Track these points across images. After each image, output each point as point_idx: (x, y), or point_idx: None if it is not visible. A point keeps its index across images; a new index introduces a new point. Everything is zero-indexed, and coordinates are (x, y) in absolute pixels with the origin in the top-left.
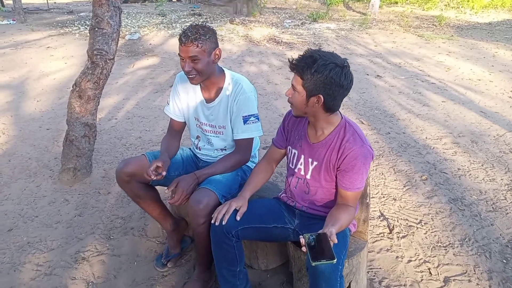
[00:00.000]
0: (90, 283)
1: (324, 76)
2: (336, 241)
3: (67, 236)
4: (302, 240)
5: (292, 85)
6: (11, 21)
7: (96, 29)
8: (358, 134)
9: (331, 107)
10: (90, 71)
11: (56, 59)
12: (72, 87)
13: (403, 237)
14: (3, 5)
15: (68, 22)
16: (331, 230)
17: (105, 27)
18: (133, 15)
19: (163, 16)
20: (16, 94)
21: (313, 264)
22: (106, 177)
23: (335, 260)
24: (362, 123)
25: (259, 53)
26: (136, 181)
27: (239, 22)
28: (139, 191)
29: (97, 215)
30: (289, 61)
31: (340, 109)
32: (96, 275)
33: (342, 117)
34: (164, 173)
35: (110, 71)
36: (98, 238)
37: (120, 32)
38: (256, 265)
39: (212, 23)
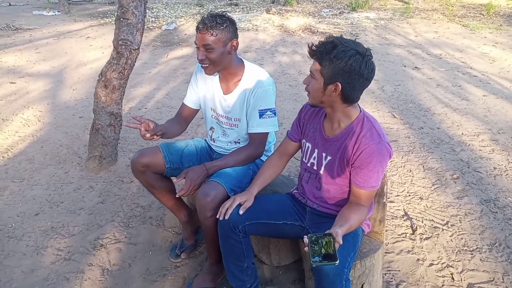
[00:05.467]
0: (105, 270)
1: (343, 63)
2: (341, 242)
3: (88, 222)
4: (306, 240)
5: (310, 71)
6: (56, 12)
7: (121, 19)
8: (376, 130)
9: (349, 97)
10: (115, 61)
11: (94, 49)
12: (98, 77)
13: (427, 238)
14: None
15: (108, 12)
16: (337, 231)
17: (130, 17)
18: (171, 5)
19: (200, 6)
20: (54, 83)
21: (314, 265)
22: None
23: (337, 262)
24: (395, 117)
25: (293, 43)
26: (151, 171)
27: (275, 12)
28: (154, 182)
29: (118, 203)
30: (308, 46)
31: (372, 102)
32: (112, 263)
33: (361, 111)
34: (147, 135)
35: (135, 61)
36: (117, 226)
37: (157, 23)
38: (269, 261)
39: (248, 12)
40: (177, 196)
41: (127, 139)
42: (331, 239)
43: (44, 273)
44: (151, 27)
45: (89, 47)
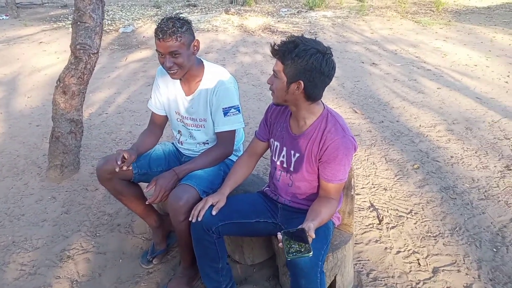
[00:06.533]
0: (75, 282)
1: (304, 61)
2: (314, 236)
3: (53, 234)
4: (280, 237)
5: (274, 71)
6: (4, 17)
7: (78, 23)
8: (340, 125)
9: (311, 95)
10: (74, 66)
11: (49, 54)
12: (56, 83)
13: (393, 227)
14: None
15: (62, 16)
16: (310, 225)
17: (88, 20)
18: (128, 7)
19: (158, 8)
20: (7, 91)
21: (288, 258)
22: (95, 173)
23: (311, 253)
24: (356, 112)
25: (254, 43)
26: (117, 178)
27: (234, 12)
28: (121, 188)
29: (83, 212)
30: (271, 46)
31: (333, 98)
32: (81, 274)
33: (324, 108)
34: (124, 168)
35: (95, 66)
36: (84, 236)
37: (113, 25)
38: (242, 260)
39: (207, 13)
40: (147, 203)
41: (89, 146)
42: (304, 234)
43: None
44: (107, 30)
45: (42, 53)
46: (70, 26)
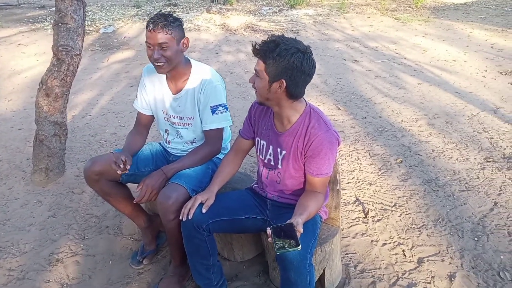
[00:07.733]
0: (65, 285)
1: (286, 61)
2: (302, 231)
3: (40, 238)
4: (269, 231)
5: (255, 70)
6: None
7: (60, 24)
8: (323, 120)
9: (293, 93)
10: (56, 68)
11: (28, 56)
12: (39, 85)
13: (378, 220)
14: None
15: (39, 17)
16: (298, 220)
17: (69, 22)
18: (107, 7)
19: (138, 8)
20: None
21: (278, 252)
22: (80, 176)
23: (300, 247)
24: (339, 108)
25: (236, 42)
26: (105, 179)
27: (216, 11)
28: (109, 189)
29: (71, 215)
30: (252, 45)
31: (317, 96)
32: (71, 277)
33: (307, 104)
34: (128, 167)
35: (77, 67)
36: (72, 239)
37: (93, 26)
38: (232, 257)
39: (188, 12)
40: (134, 202)
41: (74, 149)
42: (293, 228)
43: None
44: (87, 31)
45: (21, 55)
46: (49, 27)
